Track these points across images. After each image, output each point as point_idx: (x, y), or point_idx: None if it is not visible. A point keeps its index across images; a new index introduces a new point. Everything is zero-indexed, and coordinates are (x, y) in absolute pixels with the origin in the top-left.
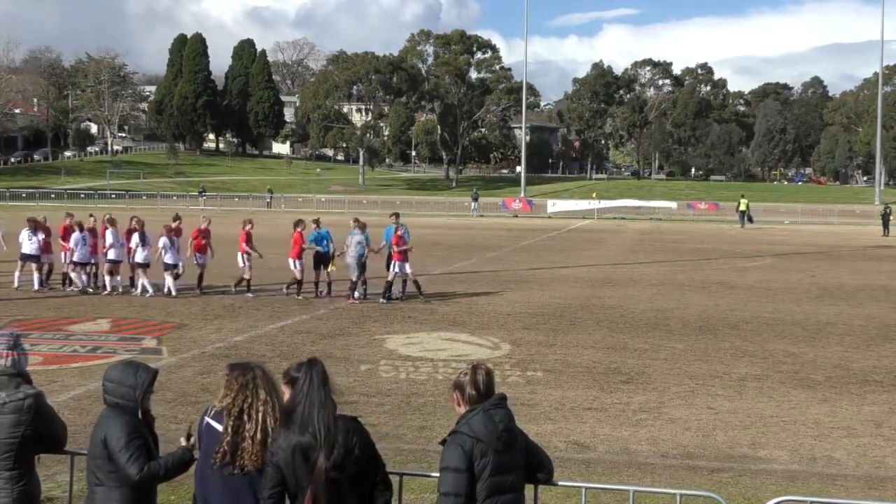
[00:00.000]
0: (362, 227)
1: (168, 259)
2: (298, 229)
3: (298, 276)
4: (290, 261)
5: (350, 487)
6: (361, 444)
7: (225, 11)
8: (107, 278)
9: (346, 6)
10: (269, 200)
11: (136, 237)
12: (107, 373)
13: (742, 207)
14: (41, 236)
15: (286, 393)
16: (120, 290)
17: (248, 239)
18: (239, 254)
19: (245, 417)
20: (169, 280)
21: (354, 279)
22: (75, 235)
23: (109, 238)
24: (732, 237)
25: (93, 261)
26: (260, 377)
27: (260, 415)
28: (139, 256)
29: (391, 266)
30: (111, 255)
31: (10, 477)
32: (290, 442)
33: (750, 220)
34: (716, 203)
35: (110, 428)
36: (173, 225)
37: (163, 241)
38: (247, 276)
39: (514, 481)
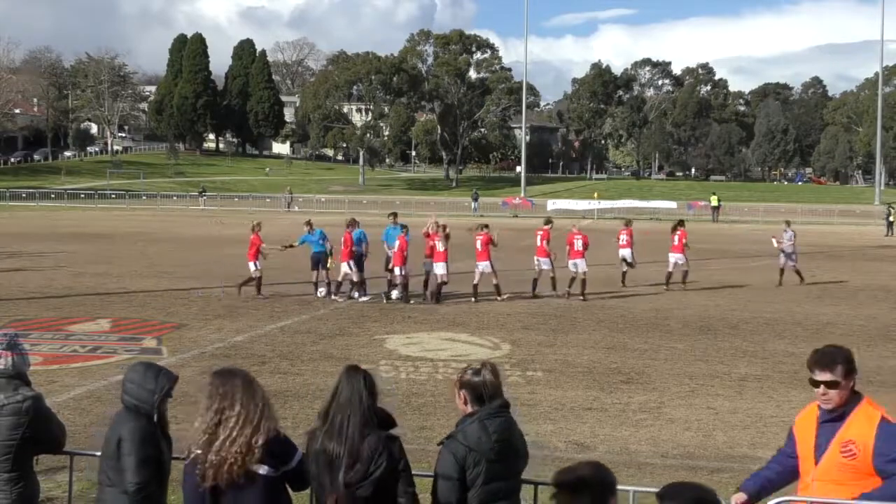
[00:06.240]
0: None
1: None
2: (348, 229)
3: (356, 278)
4: (343, 264)
5: (365, 502)
6: (387, 466)
7: (219, 12)
8: None
9: (339, 6)
10: (289, 201)
11: None
12: (128, 373)
13: (714, 203)
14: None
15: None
16: None
17: None
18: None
19: (220, 429)
20: None
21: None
22: None
23: None
24: (733, 236)
25: None
26: (239, 386)
27: (236, 423)
28: None
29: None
30: None
31: (9, 479)
32: (316, 445)
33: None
34: None
35: (125, 430)
36: None
37: None
38: None
39: (507, 488)
